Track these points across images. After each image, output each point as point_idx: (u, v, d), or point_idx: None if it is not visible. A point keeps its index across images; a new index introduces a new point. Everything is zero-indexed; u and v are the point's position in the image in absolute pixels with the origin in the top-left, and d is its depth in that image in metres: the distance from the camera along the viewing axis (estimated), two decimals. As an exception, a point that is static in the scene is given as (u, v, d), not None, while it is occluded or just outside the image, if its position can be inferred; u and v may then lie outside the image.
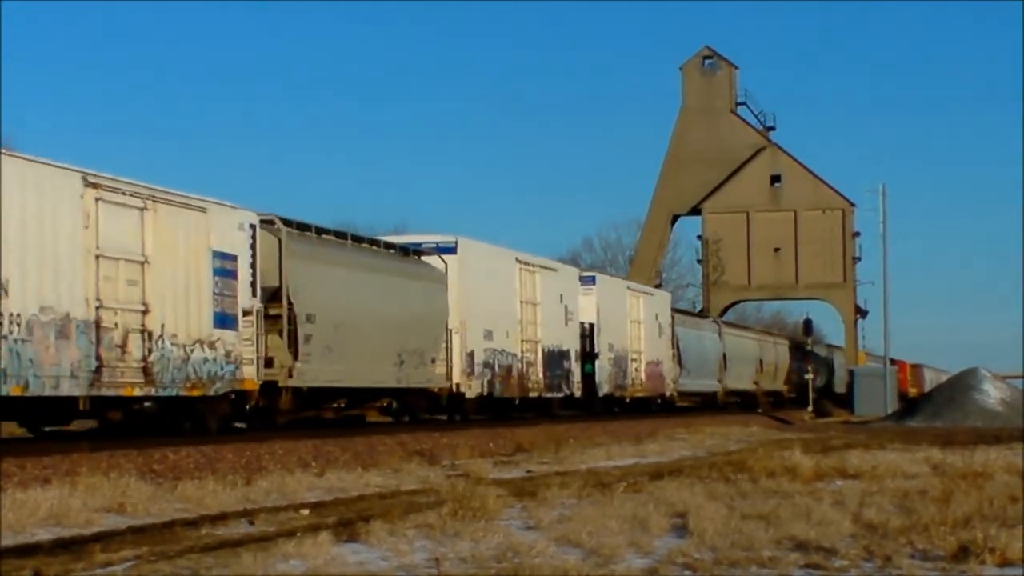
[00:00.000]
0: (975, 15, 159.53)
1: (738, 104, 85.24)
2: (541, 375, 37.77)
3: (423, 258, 32.23)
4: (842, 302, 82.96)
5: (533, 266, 38.26)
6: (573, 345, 40.54)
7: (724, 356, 59.60)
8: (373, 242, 31.59)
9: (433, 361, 31.44)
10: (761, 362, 66.97)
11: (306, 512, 14.74)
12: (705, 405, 57.20)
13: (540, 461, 24.86)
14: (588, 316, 42.51)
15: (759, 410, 61.02)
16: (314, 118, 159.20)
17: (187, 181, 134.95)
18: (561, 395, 39.77)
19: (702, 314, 67.51)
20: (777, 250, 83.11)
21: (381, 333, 28.97)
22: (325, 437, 24.05)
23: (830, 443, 31.73)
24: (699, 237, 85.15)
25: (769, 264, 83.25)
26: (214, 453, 20.35)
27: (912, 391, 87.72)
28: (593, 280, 44.61)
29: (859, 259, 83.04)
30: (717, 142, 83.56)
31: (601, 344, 43.15)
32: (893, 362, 79.00)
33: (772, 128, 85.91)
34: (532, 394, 37.40)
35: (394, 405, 31.73)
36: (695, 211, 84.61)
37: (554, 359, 38.86)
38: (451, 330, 32.00)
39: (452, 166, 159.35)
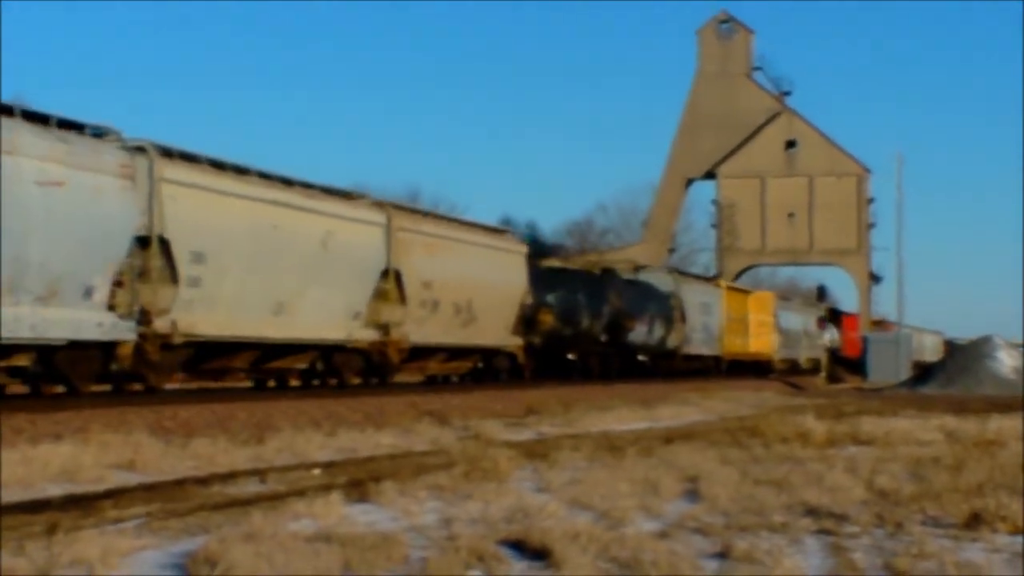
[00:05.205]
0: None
1: (754, 69, 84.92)
2: None
3: None
4: (856, 268, 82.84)
5: None
6: None
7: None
8: None
9: None
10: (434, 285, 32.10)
11: (317, 472, 14.72)
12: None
13: (551, 424, 24.84)
14: None
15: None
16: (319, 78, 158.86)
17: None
18: None
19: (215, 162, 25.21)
20: (791, 215, 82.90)
21: None
22: (336, 397, 24.01)
23: (843, 409, 31.66)
24: (714, 201, 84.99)
25: (783, 229, 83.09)
26: (225, 411, 20.36)
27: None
28: None
29: (874, 225, 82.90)
30: (732, 107, 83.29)
31: None
32: (839, 316, 78.31)
33: (788, 93, 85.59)
34: None
35: None
36: (710, 176, 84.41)
37: None
38: None
39: (468, 133, 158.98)
